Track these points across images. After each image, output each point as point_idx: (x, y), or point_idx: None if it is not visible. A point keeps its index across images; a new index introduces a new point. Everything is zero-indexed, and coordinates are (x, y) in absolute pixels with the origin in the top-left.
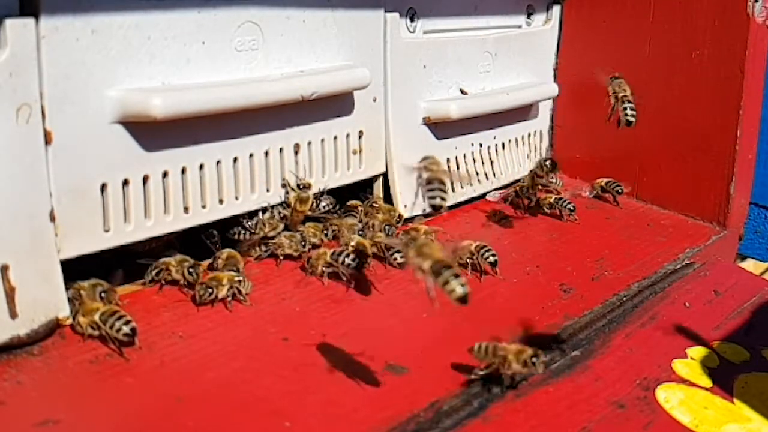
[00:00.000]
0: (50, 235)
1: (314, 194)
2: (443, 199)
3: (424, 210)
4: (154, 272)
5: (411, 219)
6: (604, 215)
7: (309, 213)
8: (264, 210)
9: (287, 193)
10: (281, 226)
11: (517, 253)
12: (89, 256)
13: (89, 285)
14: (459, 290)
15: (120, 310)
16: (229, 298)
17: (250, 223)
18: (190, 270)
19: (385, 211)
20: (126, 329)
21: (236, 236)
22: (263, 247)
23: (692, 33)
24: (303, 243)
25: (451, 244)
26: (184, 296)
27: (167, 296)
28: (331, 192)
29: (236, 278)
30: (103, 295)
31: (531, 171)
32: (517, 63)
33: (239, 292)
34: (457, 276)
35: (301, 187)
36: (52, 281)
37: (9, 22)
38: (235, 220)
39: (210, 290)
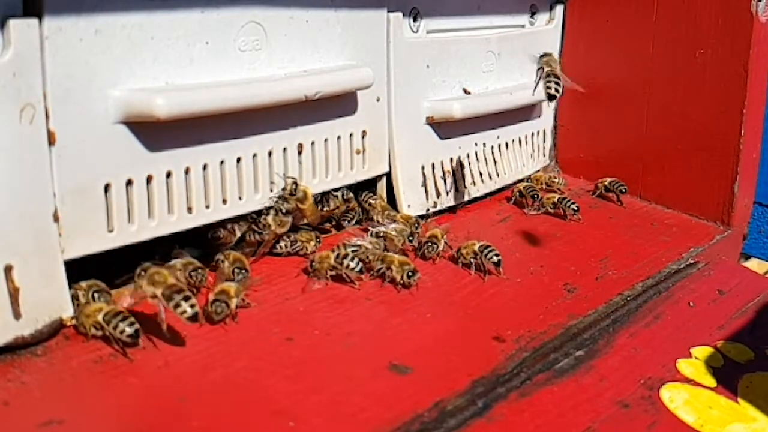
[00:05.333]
0: (54, 236)
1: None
2: (557, 90)
3: (428, 210)
4: None
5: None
6: (607, 215)
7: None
8: (266, 211)
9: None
10: (288, 221)
11: (520, 253)
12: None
13: (87, 285)
14: (188, 311)
15: (123, 311)
16: (237, 308)
17: (259, 224)
18: (192, 273)
19: (379, 210)
20: (129, 330)
21: (248, 237)
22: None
23: (696, 32)
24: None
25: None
26: None
27: None
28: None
29: (241, 290)
30: (95, 295)
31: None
32: (521, 62)
33: (243, 300)
34: (187, 299)
35: (292, 192)
36: (56, 281)
37: (12, 23)
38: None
39: (224, 305)
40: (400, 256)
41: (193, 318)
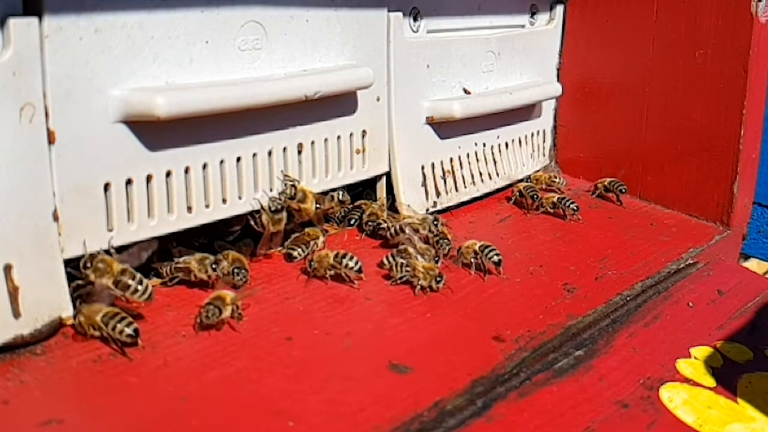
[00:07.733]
0: (54, 235)
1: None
2: None
3: (427, 210)
4: (173, 274)
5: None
6: (607, 215)
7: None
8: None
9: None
10: (282, 219)
11: (520, 253)
12: None
13: None
14: (139, 289)
15: (121, 311)
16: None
17: (257, 222)
18: (213, 266)
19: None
20: (128, 330)
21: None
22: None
23: (696, 32)
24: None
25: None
26: (187, 296)
27: (171, 295)
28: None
29: (237, 300)
30: None
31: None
32: (521, 62)
33: (237, 308)
34: (134, 276)
35: (292, 196)
36: (56, 281)
37: (12, 22)
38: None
39: (218, 310)
40: (423, 262)
41: (149, 297)
